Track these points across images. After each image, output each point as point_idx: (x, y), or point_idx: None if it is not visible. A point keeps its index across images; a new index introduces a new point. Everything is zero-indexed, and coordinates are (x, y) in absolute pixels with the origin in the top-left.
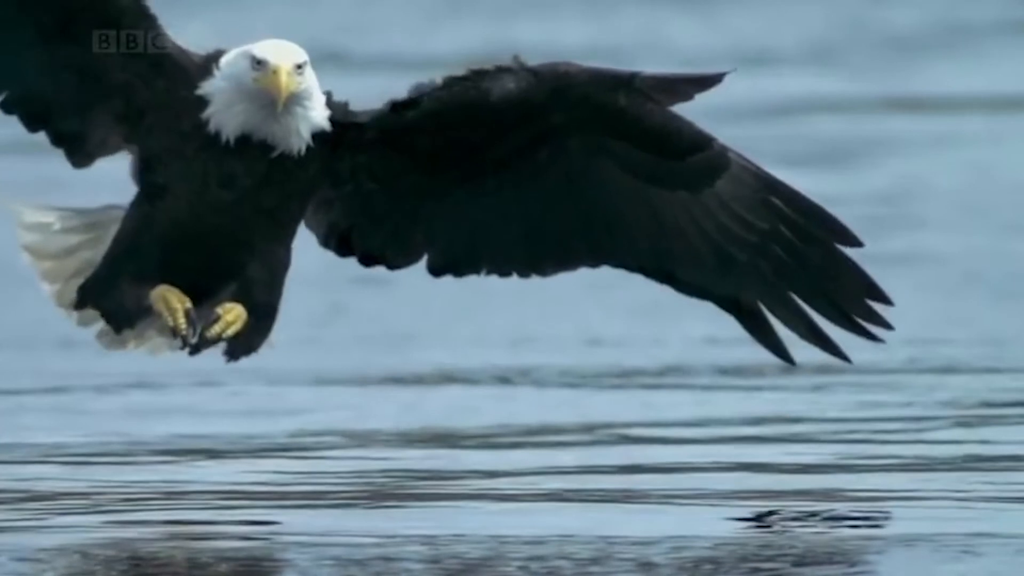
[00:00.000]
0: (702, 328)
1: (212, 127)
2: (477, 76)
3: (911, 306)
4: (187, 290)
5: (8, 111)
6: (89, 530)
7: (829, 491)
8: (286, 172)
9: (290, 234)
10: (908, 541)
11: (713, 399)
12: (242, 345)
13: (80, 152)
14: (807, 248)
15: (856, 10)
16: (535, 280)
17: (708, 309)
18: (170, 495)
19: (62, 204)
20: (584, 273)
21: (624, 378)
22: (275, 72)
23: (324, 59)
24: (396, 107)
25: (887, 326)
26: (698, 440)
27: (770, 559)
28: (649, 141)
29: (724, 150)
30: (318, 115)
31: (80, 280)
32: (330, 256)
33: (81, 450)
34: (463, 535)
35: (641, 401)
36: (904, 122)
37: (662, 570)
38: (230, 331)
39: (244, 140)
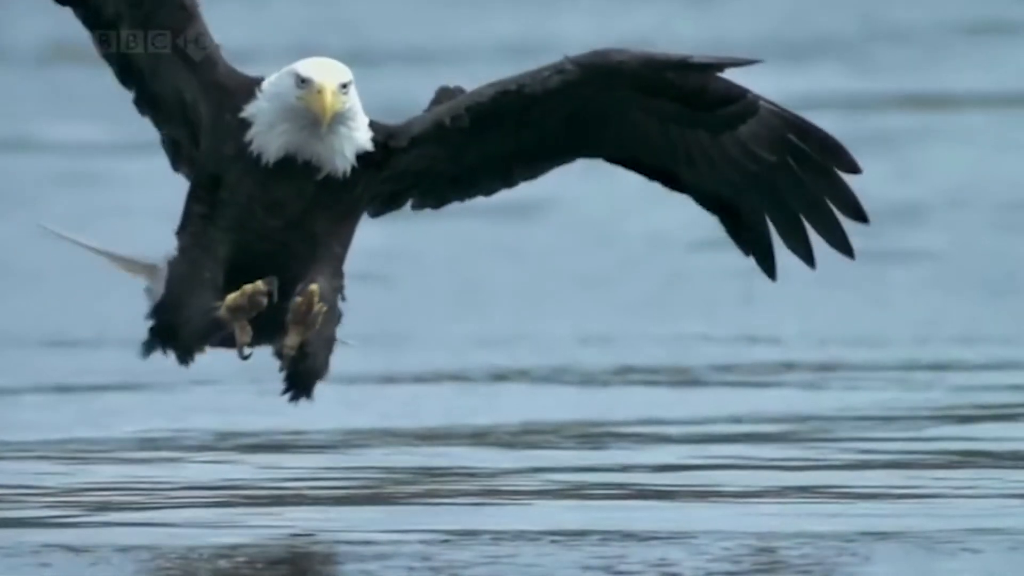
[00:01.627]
0: (697, 325)
1: (254, 149)
2: (525, 82)
3: (910, 304)
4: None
5: (141, 110)
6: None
7: (826, 488)
8: (333, 194)
9: (340, 256)
10: (904, 538)
11: (711, 397)
12: (303, 376)
13: (177, 159)
14: (805, 176)
15: (854, 5)
16: (533, 279)
17: (706, 307)
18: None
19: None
20: (582, 270)
21: (621, 375)
22: (320, 91)
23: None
24: (442, 126)
25: (848, 252)
26: (696, 438)
27: (769, 552)
28: (686, 100)
29: (756, 99)
30: (362, 136)
31: None
32: None
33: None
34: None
35: (639, 399)
36: (907, 118)
37: (674, 568)
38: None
39: (287, 162)
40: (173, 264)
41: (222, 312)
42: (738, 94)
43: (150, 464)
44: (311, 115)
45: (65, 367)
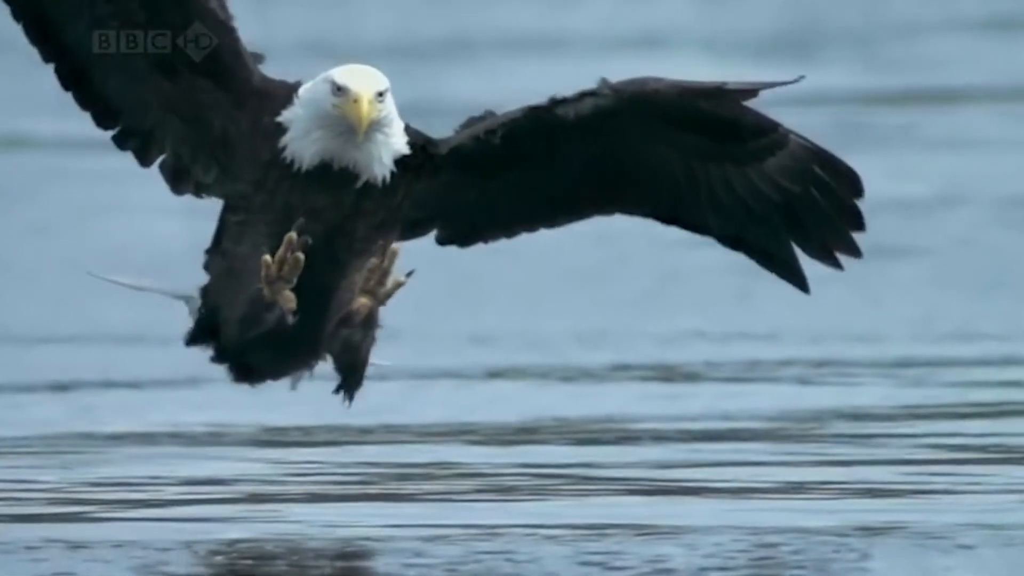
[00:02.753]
0: (693, 322)
1: (288, 155)
2: (557, 104)
3: (905, 300)
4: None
5: (121, 145)
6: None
7: (821, 484)
8: (374, 201)
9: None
10: (900, 534)
11: (706, 393)
12: (352, 374)
13: (180, 183)
14: (823, 201)
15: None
16: (530, 276)
17: (701, 303)
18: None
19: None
20: (576, 266)
21: (616, 372)
22: (356, 100)
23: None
24: (477, 138)
25: (857, 254)
26: (691, 434)
27: (769, 549)
28: (718, 132)
29: (786, 133)
30: (398, 141)
31: None
32: None
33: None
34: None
35: (633, 395)
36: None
37: (668, 563)
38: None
39: (324, 169)
40: (212, 268)
41: (264, 286)
42: (770, 127)
43: (148, 461)
44: (347, 123)
45: (62, 364)
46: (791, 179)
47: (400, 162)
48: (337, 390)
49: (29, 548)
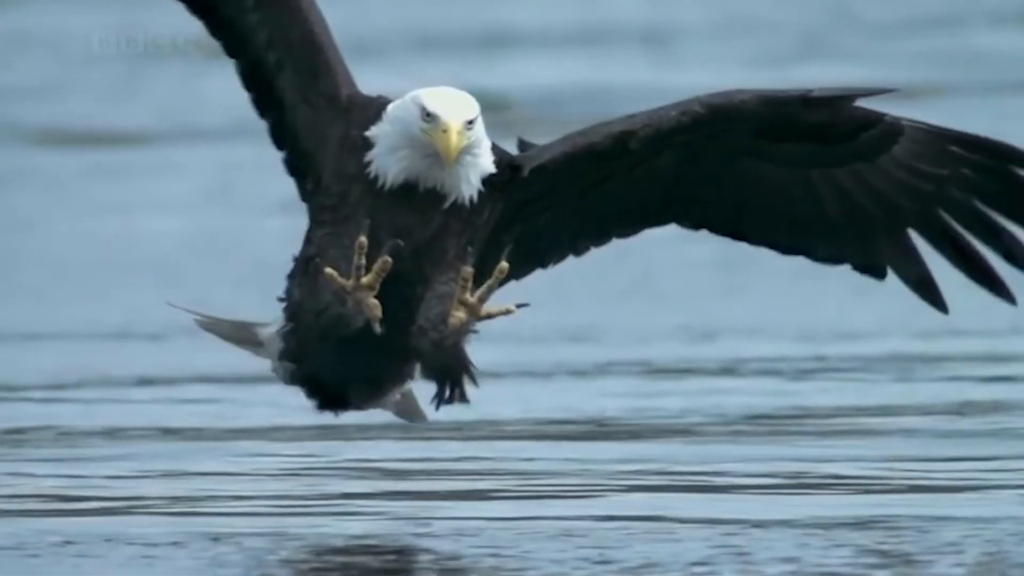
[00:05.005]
0: (680, 318)
1: (373, 170)
2: (650, 122)
3: (894, 296)
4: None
5: (291, 174)
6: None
7: (816, 481)
8: (462, 221)
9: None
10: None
11: (699, 389)
12: (449, 376)
13: (308, 192)
14: (986, 180)
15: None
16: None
17: (689, 299)
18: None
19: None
20: (574, 263)
21: (603, 368)
22: (445, 131)
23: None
24: (561, 158)
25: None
26: (697, 434)
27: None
28: (816, 137)
29: (896, 120)
30: (486, 161)
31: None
32: None
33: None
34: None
35: (621, 392)
36: None
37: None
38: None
39: (409, 188)
40: (297, 279)
41: (348, 296)
42: (875, 118)
43: (144, 458)
44: (435, 150)
45: (59, 363)
46: (933, 163)
47: (487, 181)
48: (435, 398)
49: (21, 545)
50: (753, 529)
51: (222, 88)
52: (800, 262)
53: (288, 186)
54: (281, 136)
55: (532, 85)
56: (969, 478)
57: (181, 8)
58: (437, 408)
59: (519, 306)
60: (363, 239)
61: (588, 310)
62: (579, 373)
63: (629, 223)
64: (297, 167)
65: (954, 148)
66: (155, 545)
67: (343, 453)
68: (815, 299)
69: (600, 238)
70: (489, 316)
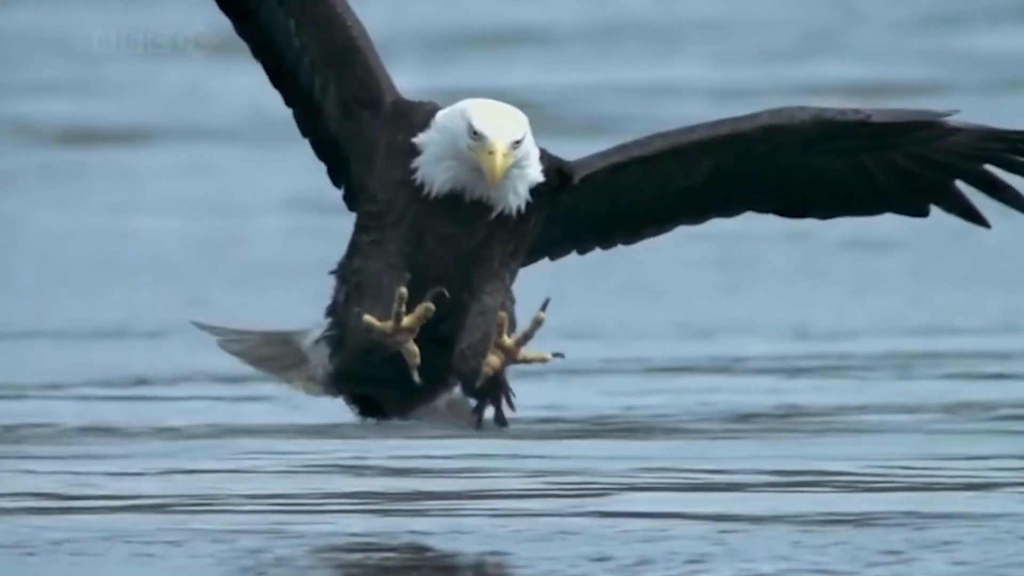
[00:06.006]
0: (678, 315)
1: (419, 177)
2: (710, 136)
3: (887, 293)
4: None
5: (349, 205)
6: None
7: (811, 477)
8: (508, 230)
9: (510, 285)
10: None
11: (702, 389)
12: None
13: (351, 199)
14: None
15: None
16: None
17: (686, 296)
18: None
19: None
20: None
21: (602, 365)
22: (491, 152)
23: None
24: (612, 168)
25: None
26: (693, 431)
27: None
28: (878, 142)
29: (953, 123)
30: (534, 171)
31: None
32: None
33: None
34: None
35: (629, 391)
36: None
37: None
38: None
39: (455, 198)
40: (341, 286)
41: (389, 335)
42: (933, 120)
43: (142, 457)
44: (481, 168)
45: (58, 362)
46: (974, 150)
47: (534, 190)
48: (475, 411)
49: (17, 543)
50: (748, 526)
51: (222, 88)
52: (797, 261)
53: (288, 186)
54: (321, 145)
55: (542, 84)
56: (965, 476)
57: (181, 8)
58: (476, 426)
59: (555, 355)
60: (403, 291)
61: (585, 308)
62: (575, 371)
63: (662, 222)
64: (338, 173)
65: (994, 144)
66: (152, 543)
67: (341, 452)
68: (812, 297)
69: (633, 236)
70: (525, 361)
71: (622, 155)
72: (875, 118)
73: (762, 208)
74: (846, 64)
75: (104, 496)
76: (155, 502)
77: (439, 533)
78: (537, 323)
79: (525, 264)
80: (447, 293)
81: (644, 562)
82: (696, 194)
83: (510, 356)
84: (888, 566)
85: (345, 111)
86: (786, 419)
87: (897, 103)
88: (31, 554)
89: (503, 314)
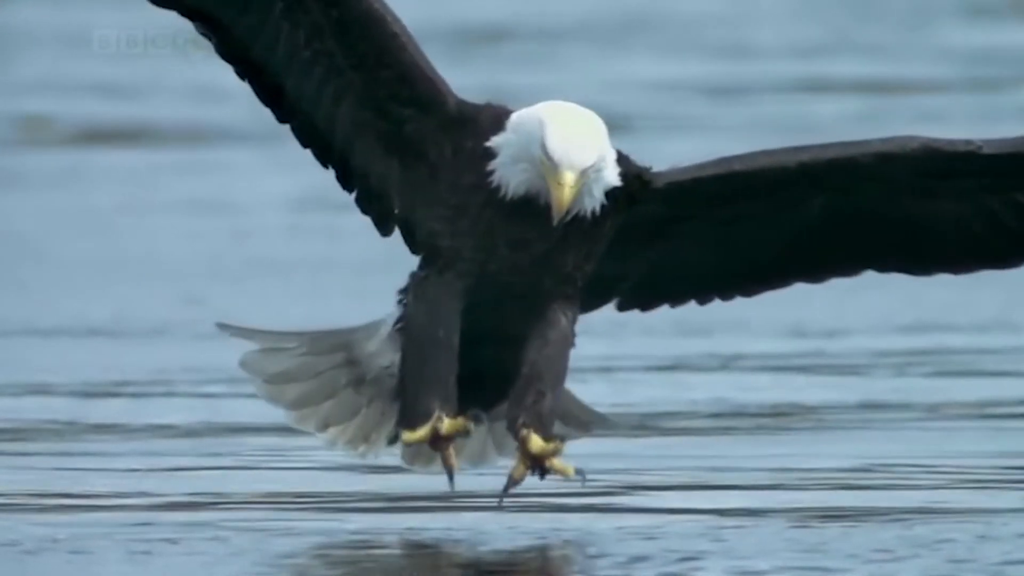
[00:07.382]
0: (677, 313)
1: (495, 180)
2: (813, 159)
3: (883, 292)
4: (474, 373)
5: (363, 209)
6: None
7: (807, 474)
8: (583, 234)
9: (580, 290)
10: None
11: (699, 387)
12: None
13: (385, 221)
14: None
15: None
16: None
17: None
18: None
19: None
20: None
21: (601, 364)
22: (560, 183)
23: None
24: (702, 179)
25: None
26: (691, 429)
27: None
28: (999, 183)
29: None
30: (610, 174)
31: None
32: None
33: None
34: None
35: (627, 389)
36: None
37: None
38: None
39: (530, 201)
40: (410, 294)
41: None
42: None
43: (141, 455)
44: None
45: (57, 360)
46: None
47: (611, 193)
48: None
49: (14, 543)
50: (744, 524)
51: (222, 88)
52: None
53: (288, 186)
54: (330, 151)
55: (543, 84)
56: (960, 473)
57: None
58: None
59: (577, 472)
60: (440, 415)
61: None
62: (573, 369)
63: (775, 273)
64: (350, 179)
65: None
66: (151, 541)
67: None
68: (810, 295)
69: (734, 289)
70: (549, 471)
71: (720, 167)
72: (986, 149)
73: (883, 262)
74: (864, 61)
75: (102, 494)
76: (153, 500)
77: (437, 531)
78: (560, 443)
79: (630, 307)
80: (483, 416)
81: (639, 559)
82: (810, 239)
83: (537, 465)
84: (882, 563)
85: (379, 112)
86: (782, 416)
87: (906, 101)
88: (29, 552)
89: (525, 431)
